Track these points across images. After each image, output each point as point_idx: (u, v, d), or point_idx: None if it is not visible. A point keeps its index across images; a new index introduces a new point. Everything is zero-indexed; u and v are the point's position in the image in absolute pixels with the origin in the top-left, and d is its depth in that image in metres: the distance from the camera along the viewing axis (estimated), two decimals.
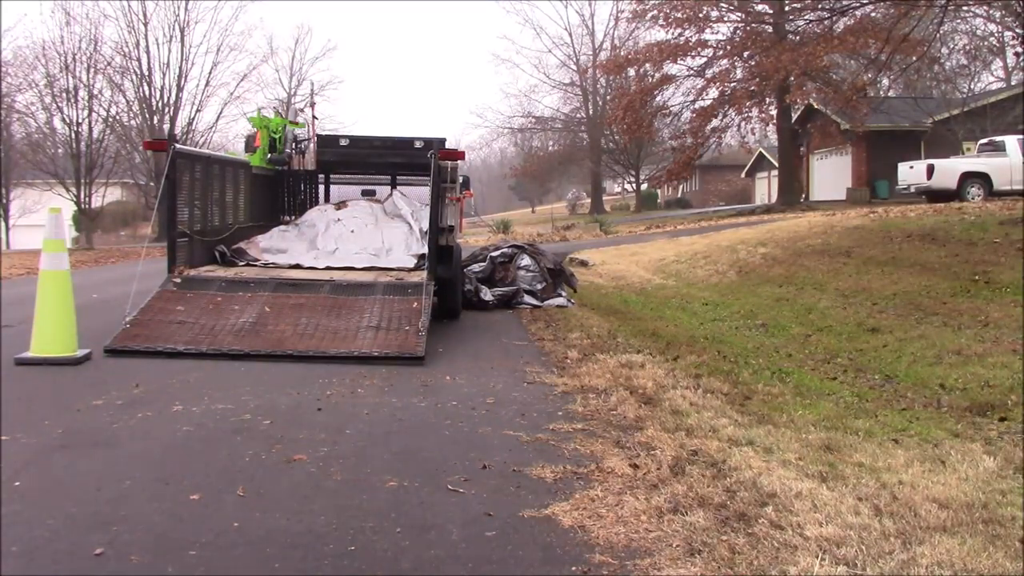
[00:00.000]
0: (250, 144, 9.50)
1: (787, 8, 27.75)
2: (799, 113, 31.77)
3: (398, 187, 9.81)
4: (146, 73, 28.94)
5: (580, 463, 3.65)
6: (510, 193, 72.23)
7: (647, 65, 31.51)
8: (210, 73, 30.36)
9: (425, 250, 7.60)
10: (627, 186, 56.41)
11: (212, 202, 7.89)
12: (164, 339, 5.96)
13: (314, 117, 11.21)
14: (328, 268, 7.72)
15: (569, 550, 2.76)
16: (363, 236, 8.75)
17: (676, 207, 48.62)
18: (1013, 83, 31.46)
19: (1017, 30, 16.68)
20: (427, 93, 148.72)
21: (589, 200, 53.57)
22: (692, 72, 31.49)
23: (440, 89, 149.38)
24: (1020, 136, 22.11)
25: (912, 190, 22.78)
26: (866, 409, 5.13)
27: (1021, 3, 13.69)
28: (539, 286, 9.61)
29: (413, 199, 9.50)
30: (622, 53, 36.06)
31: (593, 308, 9.60)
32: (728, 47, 30.17)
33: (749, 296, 10.90)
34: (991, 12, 18.57)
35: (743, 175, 49.87)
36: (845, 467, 3.70)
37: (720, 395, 5.13)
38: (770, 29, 29.03)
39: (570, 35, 50.65)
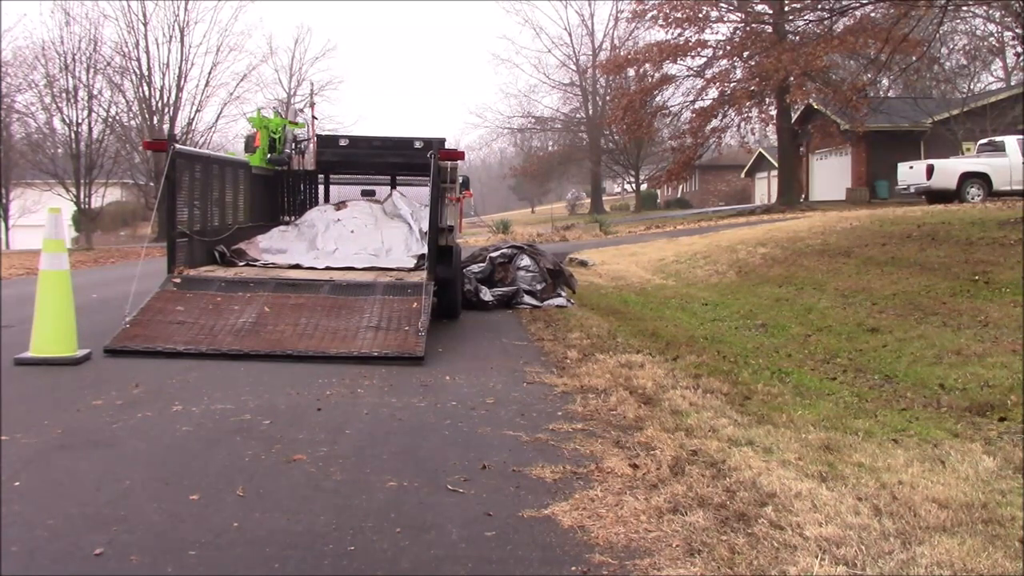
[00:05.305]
0: (250, 144, 9.48)
1: (787, 8, 27.75)
2: (799, 113, 31.79)
3: (398, 187, 9.82)
4: (146, 73, 28.98)
5: (580, 463, 3.65)
6: (510, 193, 72.23)
7: (647, 65, 31.56)
8: (210, 73, 30.43)
9: (425, 250, 7.60)
10: (627, 186, 56.43)
11: (212, 202, 7.89)
12: (164, 339, 5.96)
13: (314, 117, 11.18)
14: (328, 268, 7.72)
15: (569, 550, 2.76)
16: (363, 236, 8.75)
17: (676, 207, 48.63)
18: (1013, 83, 31.48)
19: (1017, 30, 16.67)
20: (427, 93, 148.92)
21: (589, 200, 53.57)
22: (692, 72, 31.57)
23: (440, 89, 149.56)
24: (1020, 136, 22.13)
25: (912, 190, 22.80)
26: (866, 409, 5.13)
27: (1021, 3, 13.68)
28: (539, 286, 9.61)
29: (413, 199, 9.50)
30: (622, 53, 36.13)
31: (593, 308, 9.60)
32: (728, 47, 30.20)
33: (749, 296, 10.90)
34: (991, 12, 18.56)
35: (743, 175, 49.88)
36: (845, 467, 3.69)
37: (720, 395, 5.13)
38: (770, 29, 29.04)
39: (570, 35, 50.83)
